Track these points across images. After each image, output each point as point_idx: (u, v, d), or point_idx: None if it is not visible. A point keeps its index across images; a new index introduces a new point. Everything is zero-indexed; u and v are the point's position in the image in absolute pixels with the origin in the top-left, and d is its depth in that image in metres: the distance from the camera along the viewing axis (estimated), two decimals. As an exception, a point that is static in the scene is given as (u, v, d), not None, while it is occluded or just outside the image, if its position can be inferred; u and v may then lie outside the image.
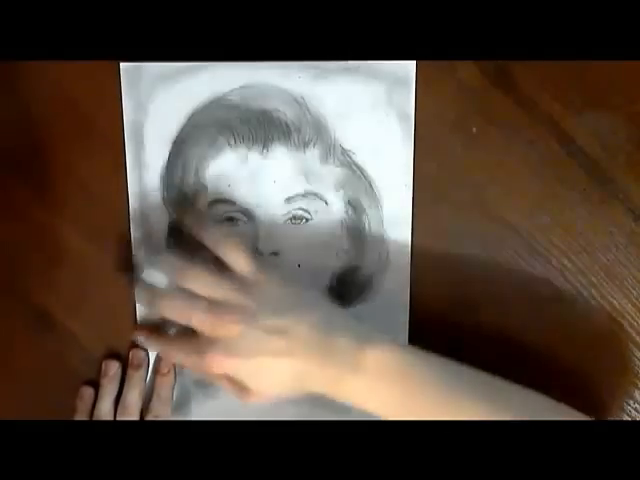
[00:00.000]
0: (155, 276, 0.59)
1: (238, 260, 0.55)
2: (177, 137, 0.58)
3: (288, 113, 0.58)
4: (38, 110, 0.59)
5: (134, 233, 0.59)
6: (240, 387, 0.54)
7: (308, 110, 0.58)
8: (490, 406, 0.50)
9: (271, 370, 0.52)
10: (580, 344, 0.59)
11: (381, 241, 0.59)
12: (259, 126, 0.58)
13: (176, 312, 0.55)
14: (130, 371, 0.60)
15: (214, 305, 0.53)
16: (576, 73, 0.56)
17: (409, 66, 0.57)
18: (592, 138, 0.56)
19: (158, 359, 0.61)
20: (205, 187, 0.58)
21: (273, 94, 0.57)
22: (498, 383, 0.52)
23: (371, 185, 0.58)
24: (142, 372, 0.60)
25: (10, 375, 0.61)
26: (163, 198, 0.59)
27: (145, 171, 0.59)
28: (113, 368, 0.60)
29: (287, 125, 0.58)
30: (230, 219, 0.59)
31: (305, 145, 0.58)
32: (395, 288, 0.59)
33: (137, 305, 0.60)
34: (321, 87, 0.57)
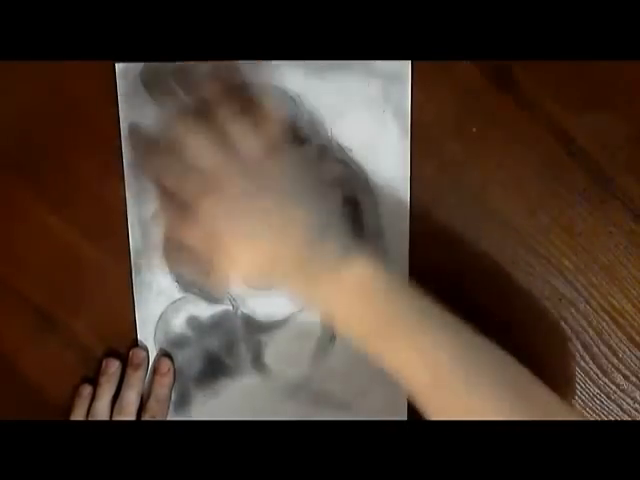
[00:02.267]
0: (155, 277, 0.59)
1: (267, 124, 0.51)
2: (174, 136, 0.58)
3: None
4: (36, 110, 0.59)
5: (132, 232, 0.59)
6: (204, 264, 0.50)
7: (304, 107, 0.57)
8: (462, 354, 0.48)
9: (247, 245, 0.49)
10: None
11: (379, 238, 0.59)
12: None
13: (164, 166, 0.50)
14: (129, 370, 0.60)
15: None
16: (576, 73, 0.55)
17: (405, 62, 0.56)
18: (592, 138, 0.56)
19: (158, 359, 0.60)
20: (203, 185, 0.58)
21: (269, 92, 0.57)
22: (478, 340, 0.49)
23: (368, 182, 0.58)
24: (141, 372, 0.60)
25: (10, 375, 0.62)
26: (161, 197, 0.59)
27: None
28: (113, 366, 0.60)
29: None
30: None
31: (301, 142, 0.57)
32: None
33: (137, 305, 0.60)
34: (317, 84, 0.57)
